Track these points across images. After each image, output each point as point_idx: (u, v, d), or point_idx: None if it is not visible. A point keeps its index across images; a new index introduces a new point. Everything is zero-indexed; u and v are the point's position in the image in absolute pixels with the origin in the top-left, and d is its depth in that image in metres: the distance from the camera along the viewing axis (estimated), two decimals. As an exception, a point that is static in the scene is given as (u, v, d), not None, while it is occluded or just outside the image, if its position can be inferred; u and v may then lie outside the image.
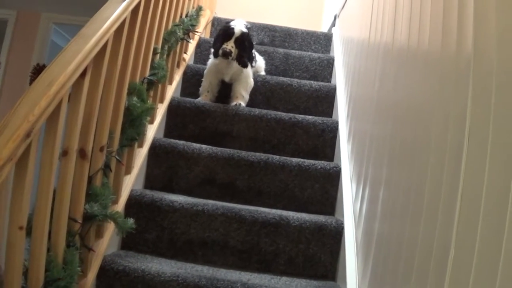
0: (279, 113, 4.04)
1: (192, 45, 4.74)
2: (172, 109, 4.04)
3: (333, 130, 4.00)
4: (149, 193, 3.28)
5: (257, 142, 3.99)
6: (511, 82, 1.26)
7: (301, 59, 5.07)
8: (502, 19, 1.37)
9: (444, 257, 1.54)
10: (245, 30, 4.15)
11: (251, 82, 4.27)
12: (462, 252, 1.43)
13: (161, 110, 3.80)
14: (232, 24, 4.16)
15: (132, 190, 3.21)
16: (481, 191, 1.35)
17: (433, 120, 1.84)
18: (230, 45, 4.09)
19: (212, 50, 4.27)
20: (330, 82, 4.91)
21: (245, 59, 4.17)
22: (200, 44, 5.05)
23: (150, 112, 3.14)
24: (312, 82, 4.54)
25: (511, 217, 1.18)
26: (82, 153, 2.41)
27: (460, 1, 1.71)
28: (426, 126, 1.92)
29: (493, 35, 1.41)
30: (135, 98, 2.95)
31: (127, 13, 2.65)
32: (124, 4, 2.57)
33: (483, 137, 1.38)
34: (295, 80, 4.52)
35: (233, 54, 4.10)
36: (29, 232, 2.03)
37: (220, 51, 4.08)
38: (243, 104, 4.15)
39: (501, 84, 1.33)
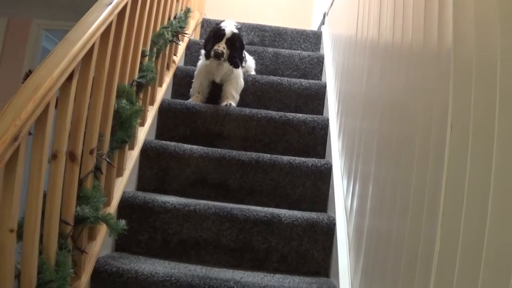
0: (269, 112, 4.05)
1: (181, 47, 4.75)
2: (163, 111, 4.05)
3: (324, 127, 4.01)
4: (141, 194, 3.29)
5: (248, 142, 4.01)
6: (489, 74, 1.27)
7: (291, 58, 5.08)
8: (480, 12, 1.39)
9: (430, 251, 1.55)
10: (235, 30, 4.17)
11: (241, 82, 4.29)
12: (447, 246, 1.45)
13: (152, 112, 3.81)
14: (223, 25, 4.18)
15: (124, 192, 3.22)
16: (464, 184, 1.36)
17: (417, 114, 1.86)
18: (221, 46, 4.11)
19: (203, 51, 4.28)
20: (320, 80, 4.92)
21: (236, 59, 4.19)
22: (190, 46, 5.06)
23: (139, 114, 3.15)
24: (302, 80, 4.55)
25: (493, 210, 1.20)
26: (72, 156, 2.42)
27: (440, -5, 1.73)
28: (411, 120, 1.94)
29: (471, 28, 1.43)
30: (124, 101, 2.96)
31: (113, 16, 2.66)
32: (109, 7, 2.58)
33: (464, 129, 1.39)
34: (285, 79, 4.53)
35: (224, 55, 4.12)
36: (21, 235, 2.05)
37: (212, 53, 4.10)
38: (233, 104, 4.16)
39: (480, 76, 1.34)
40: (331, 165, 3.60)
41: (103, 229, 2.81)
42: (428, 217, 1.62)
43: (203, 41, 4.43)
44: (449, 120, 1.52)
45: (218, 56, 4.09)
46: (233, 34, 4.15)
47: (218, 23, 4.28)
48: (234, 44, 4.17)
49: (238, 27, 4.25)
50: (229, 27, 4.16)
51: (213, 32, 4.22)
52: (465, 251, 1.32)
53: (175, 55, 4.51)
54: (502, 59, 1.22)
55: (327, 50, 5.04)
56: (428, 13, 1.86)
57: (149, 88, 3.63)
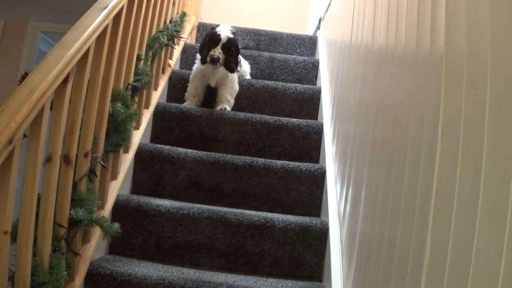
0: (264, 116, 4.06)
1: (177, 50, 4.76)
2: (158, 114, 4.06)
3: (318, 132, 4.02)
4: (135, 198, 3.30)
5: (243, 146, 4.01)
6: (480, 80, 1.29)
7: (286, 63, 5.09)
8: (472, 19, 1.40)
9: (421, 255, 1.56)
10: (231, 35, 4.19)
11: (236, 86, 4.30)
12: (437, 250, 1.46)
13: (146, 116, 3.82)
14: (218, 30, 4.20)
15: (118, 195, 3.23)
16: (454, 189, 1.37)
17: (410, 119, 1.87)
18: (217, 52, 4.13)
19: (199, 56, 4.29)
20: (315, 84, 4.93)
21: (232, 64, 4.21)
22: (186, 50, 5.07)
23: (134, 118, 3.16)
24: (297, 85, 4.56)
25: (482, 214, 1.21)
26: (66, 159, 2.43)
27: (433, 2, 1.74)
28: (403, 125, 1.95)
29: (463, 35, 1.44)
30: (119, 104, 2.97)
31: (109, 20, 2.67)
32: (105, 11, 2.59)
33: (455, 135, 1.41)
34: (280, 83, 4.54)
35: (220, 60, 4.14)
36: (15, 237, 2.05)
37: (208, 58, 4.12)
38: (228, 108, 4.17)
39: (471, 82, 1.36)
40: (325, 170, 3.61)
41: (97, 232, 2.81)
42: (419, 222, 1.64)
43: (199, 45, 4.44)
44: (440, 126, 1.53)
45: (214, 61, 4.11)
46: (229, 39, 4.18)
47: (213, 28, 4.29)
48: (229, 49, 4.19)
49: (233, 31, 4.27)
50: (225, 32, 4.18)
51: (208, 37, 4.24)
52: (455, 255, 1.33)
53: (170, 59, 4.51)
54: (493, 65, 1.23)
55: (322, 55, 5.04)
56: (421, 19, 1.87)
57: (144, 92, 3.63)
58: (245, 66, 4.74)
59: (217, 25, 4.29)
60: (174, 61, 4.63)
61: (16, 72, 7.16)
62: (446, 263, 1.37)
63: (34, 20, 7.44)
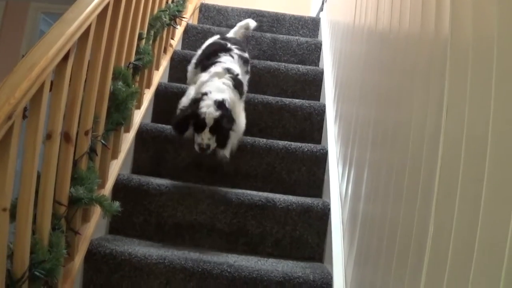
0: (266, 97, 4.04)
1: (179, 31, 4.73)
2: (160, 94, 4.04)
3: (321, 113, 4.01)
4: (136, 177, 3.29)
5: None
6: (486, 60, 1.27)
7: (288, 44, 5.06)
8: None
9: (424, 236, 1.55)
10: (217, 114, 3.30)
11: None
12: (440, 230, 1.45)
13: (148, 96, 3.80)
14: (201, 109, 3.31)
15: (119, 175, 3.22)
16: (458, 169, 1.36)
17: (414, 100, 1.85)
18: (206, 138, 3.28)
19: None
20: (318, 66, 4.91)
21: (225, 141, 3.42)
22: (188, 30, 5.04)
23: (135, 97, 3.14)
24: (300, 66, 4.55)
25: (487, 194, 1.19)
26: (66, 137, 2.42)
27: (439, -20, 1.72)
28: (407, 106, 1.93)
29: (469, 14, 1.42)
30: (120, 83, 2.96)
31: (110, -3, 2.65)
32: (107, -12, 2.57)
33: (460, 115, 1.39)
34: (283, 64, 4.53)
35: (211, 147, 3.31)
36: (14, 215, 2.04)
37: (197, 147, 3.30)
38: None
39: (477, 62, 1.34)
40: (327, 151, 3.59)
41: (97, 211, 2.81)
42: (422, 202, 1.62)
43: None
44: (445, 106, 1.51)
45: (204, 150, 3.30)
46: (216, 121, 3.29)
47: (196, 100, 3.43)
48: (219, 128, 3.31)
49: (220, 100, 3.38)
50: (210, 113, 3.29)
51: (192, 118, 3.37)
52: (459, 236, 1.32)
53: (172, 39, 4.50)
54: (499, 44, 1.21)
55: (325, 36, 5.03)
56: (426, -2, 1.85)
57: (146, 71, 3.62)
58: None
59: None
60: (176, 41, 4.61)
61: (17, 53, 7.13)
62: (449, 244, 1.36)
63: (36, 1, 7.40)
